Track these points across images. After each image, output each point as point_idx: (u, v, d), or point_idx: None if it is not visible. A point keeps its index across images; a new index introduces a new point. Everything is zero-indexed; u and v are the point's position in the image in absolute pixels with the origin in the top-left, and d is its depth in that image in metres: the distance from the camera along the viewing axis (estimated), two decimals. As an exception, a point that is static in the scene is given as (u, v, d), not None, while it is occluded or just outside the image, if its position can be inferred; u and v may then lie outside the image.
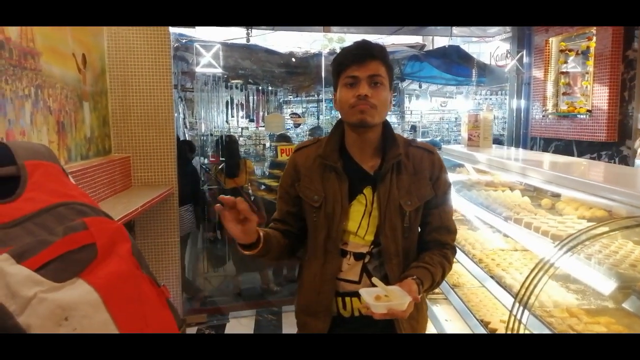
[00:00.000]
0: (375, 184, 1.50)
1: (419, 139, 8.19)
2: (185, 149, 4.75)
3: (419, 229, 1.58)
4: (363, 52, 1.44)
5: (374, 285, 1.34)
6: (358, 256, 1.52)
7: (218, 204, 1.30)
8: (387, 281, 1.46)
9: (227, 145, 5.19)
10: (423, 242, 1.57)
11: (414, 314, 1.51)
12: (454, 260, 2.68)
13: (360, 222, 1.51)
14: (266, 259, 1.55)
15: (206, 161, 5.71)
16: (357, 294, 1.44)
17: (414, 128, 8.38)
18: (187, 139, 6.21)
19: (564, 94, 4.98)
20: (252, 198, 5.26)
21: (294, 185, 1.57)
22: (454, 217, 3.18)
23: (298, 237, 1.63)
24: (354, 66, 1.44)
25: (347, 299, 1.51)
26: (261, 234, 1.43)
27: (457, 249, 1.64)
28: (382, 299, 1.28)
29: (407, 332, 1.51)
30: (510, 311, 1.46)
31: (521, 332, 1.44)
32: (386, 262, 1.49)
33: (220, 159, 5.22)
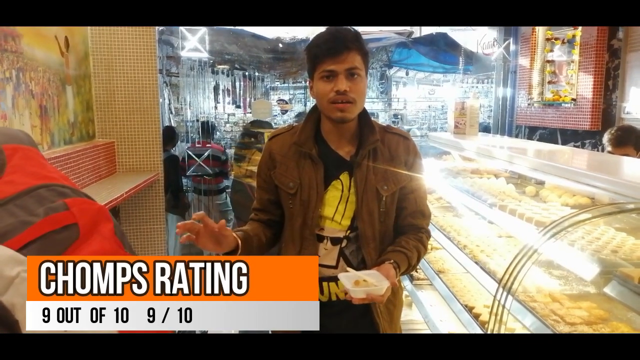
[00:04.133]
0: (351, 169, 1.51)
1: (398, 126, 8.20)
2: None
3: (395, 214, 1.59)
4: (338, 45, 1.40)
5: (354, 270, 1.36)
6: (335, 241, 1.53)
7: (184, 236, 1.31)
8: (364, 265, 1.49)
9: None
10: (399, 227, 1.59)
11: (390, 298, 1.53)
12: (440, 246, 2.72)
13: (336, 207, 1.52)
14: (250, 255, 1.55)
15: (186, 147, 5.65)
16: (334, 279, 1.48)
17: (399, 116, 8.38)
18: (172, 124, 6.15)
19: (549, 82, 5.02)
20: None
21: (270, 173, 1.57)
22: (439, 204, 3.22)
23: (282, 224, 1.63)
24: (330, 60, 1.41)
25: (325, 283, 1.51)
26: (239, 239, 1.43)
27: (431, 233, 1.66)
28: (360, 284, 1.30)
29: (384, 315, 1.54)
30: (494, 296, 1.48)
31: (504, 316, 1.46)
32: (363, 246, 1.51)
33: (207, 145, 5.18)
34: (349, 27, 1.46)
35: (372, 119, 1.59)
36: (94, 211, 0.67)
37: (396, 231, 1.59)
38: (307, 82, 1.60)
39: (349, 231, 1.53)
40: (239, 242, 1.43)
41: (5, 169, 0.65)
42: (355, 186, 1.50)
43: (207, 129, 5.36)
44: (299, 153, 1.53)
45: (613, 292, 1.50)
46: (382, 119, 8.39)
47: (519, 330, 1.80)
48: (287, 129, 1.63)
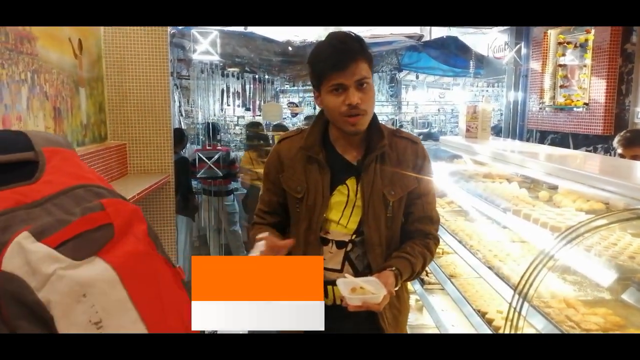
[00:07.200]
0: (358, 174, 1.50)
1: (416, 130, 8.16)
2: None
3: (402, 219, 1.58)
4: (344, 58, 1.36)
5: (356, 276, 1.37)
6: (340, 244, 1.52)
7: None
8: (369, 270, 1.48)
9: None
10: (406, 232, 1.57)
11: (395, 303, 1.54)
12: (452, 250, 2.70)
13: (342, 211, 1.51)
14: None
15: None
16: None
17: (411, 120, 8.35)
18: (182, 127, 6.17)
19: (561, 86, 4.98)
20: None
21: (279, 176, 1.58)
22: (451, 208, 3.20)
23: (286, 228, 1.64)
24: (337, 73, 1.37)
25: (329, 287, 1.50)
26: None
27: (440, 239, 1.64)
28: (357, 291, 1.30)
29: (389, 321, 1.53)
30: (510, 303, 1.47)
31: (520, 322, 1.45)
32: (369, 251, 1.50)
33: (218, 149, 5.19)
34: (349, 33, 1.42)
35: (381, 123, 1.57)
36: (129, 212, 0.68)
37: (403, 236, 1.57)
38: (313, 92, 1.57)
39: (354, 235, 1.52)
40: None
41: (45, 170, 0.68)
42: (362, 191, 1.49)
43: (214, 131, 5.39)
44: (306, 157, 1.53)
45: (632, 299, 1.48)
46: (393, 122, 8.36)
47: (533, 336, 1.78)
48: (296, 132, 1.62)
